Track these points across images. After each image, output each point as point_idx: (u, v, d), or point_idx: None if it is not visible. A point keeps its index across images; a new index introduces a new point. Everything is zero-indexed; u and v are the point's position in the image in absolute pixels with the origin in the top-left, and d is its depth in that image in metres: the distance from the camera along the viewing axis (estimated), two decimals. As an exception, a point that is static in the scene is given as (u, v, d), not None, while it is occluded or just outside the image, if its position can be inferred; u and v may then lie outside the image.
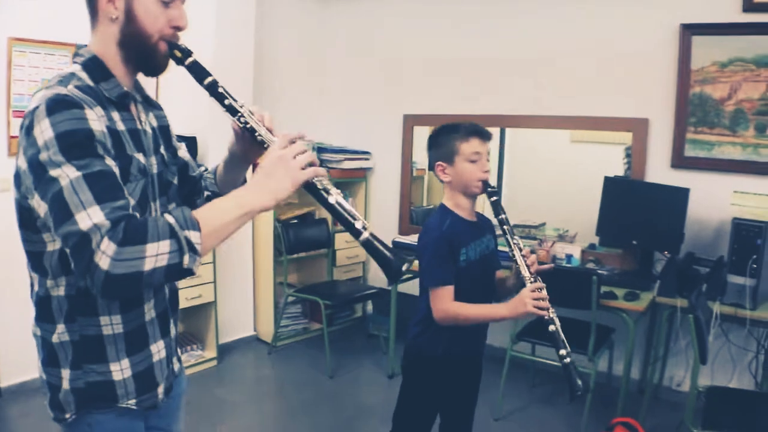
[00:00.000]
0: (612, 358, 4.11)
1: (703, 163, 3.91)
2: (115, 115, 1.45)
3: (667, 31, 3.97)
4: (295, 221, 5.13)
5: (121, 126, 1.45)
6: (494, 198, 2.35)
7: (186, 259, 1.28)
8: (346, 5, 5.69)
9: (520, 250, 2.29)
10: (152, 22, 1.46)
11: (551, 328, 2.21)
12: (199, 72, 1.53)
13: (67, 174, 1.25)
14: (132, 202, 1.40)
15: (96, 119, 1.33)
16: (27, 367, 3.82)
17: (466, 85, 4.94)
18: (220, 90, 1.52)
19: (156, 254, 1.24)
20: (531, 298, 2.20)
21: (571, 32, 4.39)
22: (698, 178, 3.88)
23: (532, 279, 2.26)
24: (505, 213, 2.34)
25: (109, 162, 1.32)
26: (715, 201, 3.82)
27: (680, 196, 3.77)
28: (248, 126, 1.52)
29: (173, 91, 4.24)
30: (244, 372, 4.67)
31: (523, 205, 5.23)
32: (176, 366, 1.71)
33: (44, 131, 1.28)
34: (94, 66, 1.46)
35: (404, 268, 1.46)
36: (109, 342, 1.46)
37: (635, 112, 4.13)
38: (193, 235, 1.29)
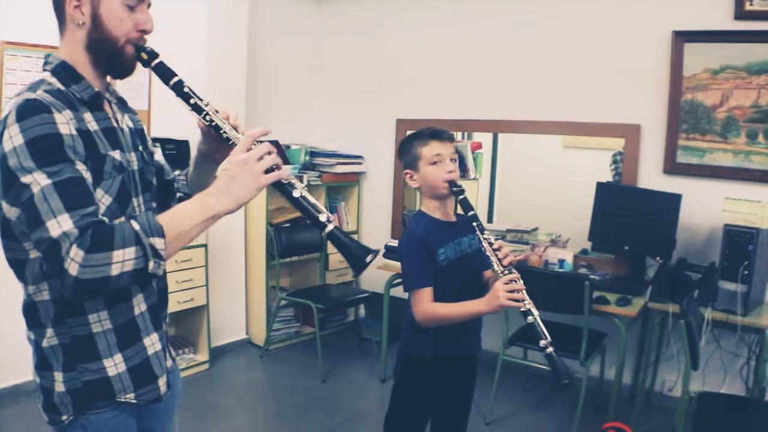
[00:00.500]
0: (604, 363, 4.11)
1: (695, 169, 3.93)
2: (87, 116, 1.47)
3: (659, 38, 3.99)
4: (288, 225, 5.12)
5: (94, 126, 1.48)
6: (461, 197, 2.35)
7: (151, 264, 1.34)
8: (338, 8, 5.70)
9: (491, 244, 2.27)
10: (118, 25, 1.50)
11: (529, 319, 2.16)
12: (164, 73, 1.58)
13: (38, 181, 1.29)
14: (107, 200, 1.46)
15: (65, 122, 1.36)
16: (20, 370, 3.81)
17: (459, 90, 4.95)
18: (186, 89, 1.57)
19: (122, 260, 1.30)
20: (504, 291, 2.16)
21: (564, 38, 4.41)
22: (690, 185, 3.90)
23: (506, 271, 2.23)
24: (474, 210, 2.33)
25: (80, 167, 1.35)
26: (707, 207, 3.83)
27: (672, 202, 3.79)
28: (213, 124, 1.57)
29: (166, 96, 4.23)
30: (236, 375, 4.65)
31: (515, 210, 5.25)
32: (169, 363, 1.71)
33: (14, 137, 1.32)
34: (63, 71, 1.49)
35: (368, 259, 1.50)
36: (100, 339, 1.48)
37: (627, 118, 4.15)
38: (158, 242, 1.34)
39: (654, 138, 4.08)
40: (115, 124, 1.57)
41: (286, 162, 5.18)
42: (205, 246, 4.46)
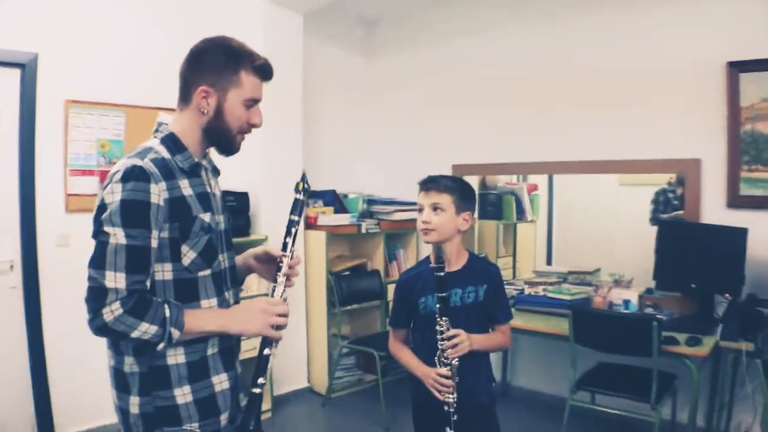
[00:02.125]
0: (675, 405, 3.97)
1: (760, 201, 3.80)
2: (184, 183, 1.73)
3: (713, 69, 3.93)
4: (348, 273, 5.15)
5: (189, 191, 1.73)
6: (439, 274, 2.28)
7: (161, 345, 1.63)
8: (390, 60, 5.83)
9: (441, 333, 2.28)
10: (236, 121, 1.79)
11: (446, 408, 2.29)
12: (299, 207, 1.91)
13: (116, 236, 1.60)
14: (192, 255, 1.72)
15: (157, 193, 1.64)
16: (86, 417, 3.93)
17: (512, 134, 4.97)
18: (294, 230, 1.89)
19: (144, 331, 1.60)
20: (433, 378, 2.31)
21: (615, 76, 4.39)
22: (756, 217, 3.78)
23: (444, 363, 2.29)
24: (443, 288, 2.28)
25: (153, 235, 1.64)
26: (776, 240, 3.71)
27: (738, 236, 3.67)
28: (281, 264, 1.90)
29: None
30: (299, 424, 4.66)
31: (575, 251, 5.16)
32: (243, 401, 1.89)
33: (115, 193, 1.61)
34: (171, 141, 1.76)
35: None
36: (173, 370, 1.71)
37: (686, 153, 4.07)
38: (175, 333, 1.64)
39: (715, 172, 3.98)
40: (208, 190, 1.83)
41: (344, 211, 5.24)
42: (266, 295, 4.50)
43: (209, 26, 2.16)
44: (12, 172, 3.79)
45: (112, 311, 1.57)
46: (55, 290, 3.85)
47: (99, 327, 1.58)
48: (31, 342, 3.83)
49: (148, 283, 1.65)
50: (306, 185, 1.91)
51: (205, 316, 1.73)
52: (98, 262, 1.59)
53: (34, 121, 3.81)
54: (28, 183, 3.82)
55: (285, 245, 1.89)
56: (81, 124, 4.00)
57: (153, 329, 1.60)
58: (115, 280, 1.58)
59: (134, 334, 1.59)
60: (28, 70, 3.78)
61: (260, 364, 1.83)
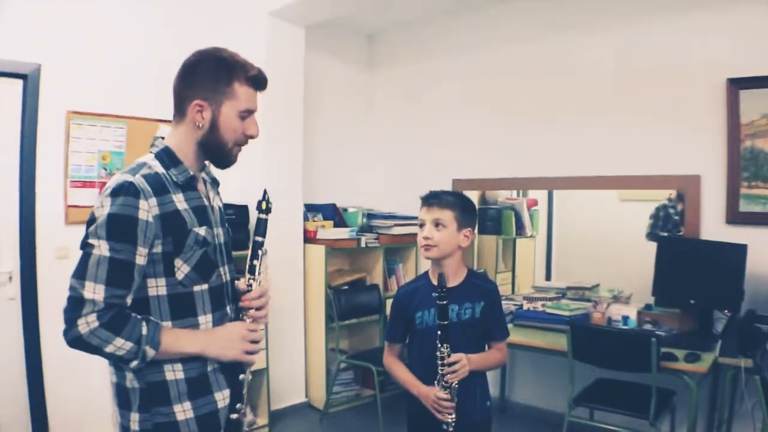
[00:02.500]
0: (674, 422, 3.95)
1: (760, 218, 3.80)
2: (179, 197, 1.72)
3: (713, 86, 3.94)
4: (346, 287, 5.14)
5: (183, 205, 1.72)
6: (442, 294, 2.27)
7: (135, 363, 1.62)
8: (392, 71, 5.87)
9: (443, 358, 2.29)
10: (231, 133, 1.78)
11: (444, 426, 2.31)
12: (262, 227, 1.87)
13: (100, 248, 1.59)
14: (186, 269, 1.71)
15: (146, 209, 1.62)
16: (82, 430, 3.89)
17: (512, 148, 4.98)
18: (260, 252, 1.88)
19: (118, 346, 1.58)
20: (433, 399, 2.31)
21: (616, 92, 4.41)
22: (756, 234, 3.78)
23: (444, 386, 2.30)
24: (447, 318, 2.27)
25: (139, 251, 1.62)
26: (775, 256, 3.70)
27: (738, 252, 3.67)
28: (250, 287, 1.89)
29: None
30: (296, 440, 4.62)
31: (574, 267, 5.15)
32: (249, 417, 1.85)
33: (104, 207, 1.61)
34: (166, 155, 1.76)
35: None
36: (172, 386, 1.69)
37: (686, 169, 4.08)
38: (150, 352, 1.62)
39: (715, 188, 3.99)
40: (206, 203, 1.81)
41: (343, 225, 5.24)
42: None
43: (211, 40, 2.16)
44: (12, 183, 3.78)
45: (88, 323, 1.56)
46: (54, 302, 3.83)
47: (73, 338, 1.57)
48: (28, 354, 3.81)
49: (129, 300, 1.63)
50: (269, 204, 1.88)
51: (184, 337, 1.70)
52: (80, 272, 1.59)
53: (35, 132, 3.82)
54: (29, 194, 3.82)
55: (252, 268, 1.88)
56: (82, 135, 4.01)
57: (128, 345, 1.58)
58: (94, 291, 1.57)
59: (108, 349, 1.57)
60: (30, 80, 3.79)
61: (236, 390, 1.83)
